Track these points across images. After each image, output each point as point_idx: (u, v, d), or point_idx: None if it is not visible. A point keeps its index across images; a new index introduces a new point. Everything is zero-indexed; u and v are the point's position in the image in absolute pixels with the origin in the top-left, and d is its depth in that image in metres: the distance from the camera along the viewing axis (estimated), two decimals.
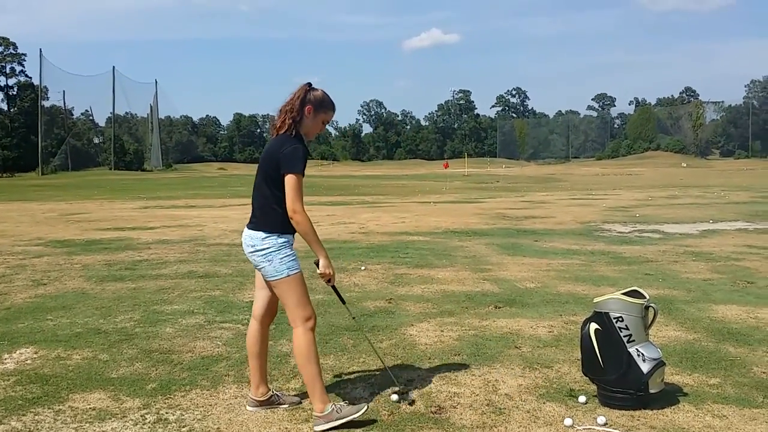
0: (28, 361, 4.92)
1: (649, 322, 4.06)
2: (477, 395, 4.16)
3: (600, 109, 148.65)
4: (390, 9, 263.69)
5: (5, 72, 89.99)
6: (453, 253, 10.19)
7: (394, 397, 4.06)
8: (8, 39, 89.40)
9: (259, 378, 4.00)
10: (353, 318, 4.34)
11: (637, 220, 15.76)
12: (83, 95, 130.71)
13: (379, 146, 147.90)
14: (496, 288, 7.48)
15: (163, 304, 6.79)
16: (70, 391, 4.28)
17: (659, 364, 3.93)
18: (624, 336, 3.94)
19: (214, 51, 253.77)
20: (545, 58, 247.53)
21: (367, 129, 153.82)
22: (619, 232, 13.17)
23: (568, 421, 3.70)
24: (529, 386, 4.31)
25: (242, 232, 3.91)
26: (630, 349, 3.92)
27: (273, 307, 4.02)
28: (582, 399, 4.02)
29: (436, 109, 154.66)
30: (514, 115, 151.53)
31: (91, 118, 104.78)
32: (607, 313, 3.99)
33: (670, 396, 4.07)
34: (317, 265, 3.81)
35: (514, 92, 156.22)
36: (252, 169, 4.67)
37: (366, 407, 3.74)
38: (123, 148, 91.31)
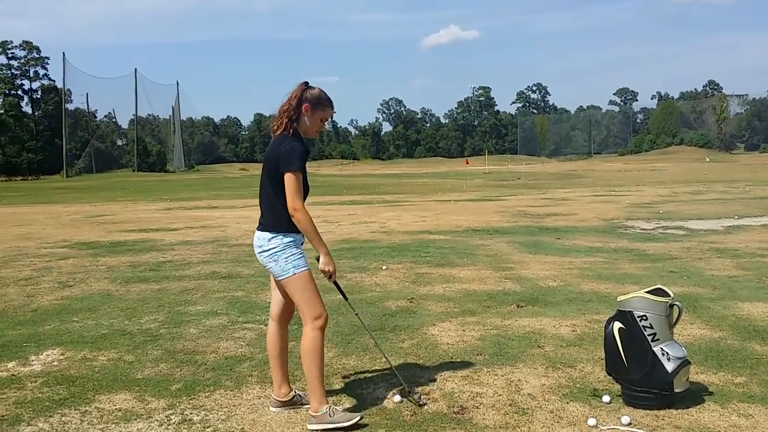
0: (55, 363, 4.99)
1: (674, 321, 4.02)
2: (500, 395, 4.15)
3: (622, 103, 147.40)
4: (408, 6, 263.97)
5: (29, 76, 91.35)
6: (474, 252, 10.16)
7: (397, 397, 4.06)
8: (31, 43, 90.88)
9: (280, 378, 4.02)
10: (356, 314, 4.34)
11: (660, 216, 15.61)
12: (106, 98, 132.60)
13: (399, 144, 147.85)
14: (518, 287, 7.45)
15: (186, 305, 6.85)
16: (96, 392, 4.33)
17: (684, 363, 3.89)
18: (648, 335, 3.90)
19: (234, 52, 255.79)
20: (566, 53, 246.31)
21: (386, 127, 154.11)
22: (643, 229, 13.05)
23: (591, 421, 3.67)
24: (553, 386, 4.29)
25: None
26: (654, 348, 3.89)
27: (289, 308, 4.04)
28: (606, 399, 3.99)
29: (456, 106, 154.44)
30: (535, 111, 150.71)
31: (114, 120, 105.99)
32: (631, 311, 3.96)
33: (695, 395, 4.03)
34: (318, 261, 3.82)
35: (534, 88, 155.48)
36: None
37: (359, 417, 3.74)
38: (146, 150, 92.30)
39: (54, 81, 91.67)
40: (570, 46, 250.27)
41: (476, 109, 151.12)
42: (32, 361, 5.06)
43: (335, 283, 4.00)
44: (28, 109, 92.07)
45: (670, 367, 3.85)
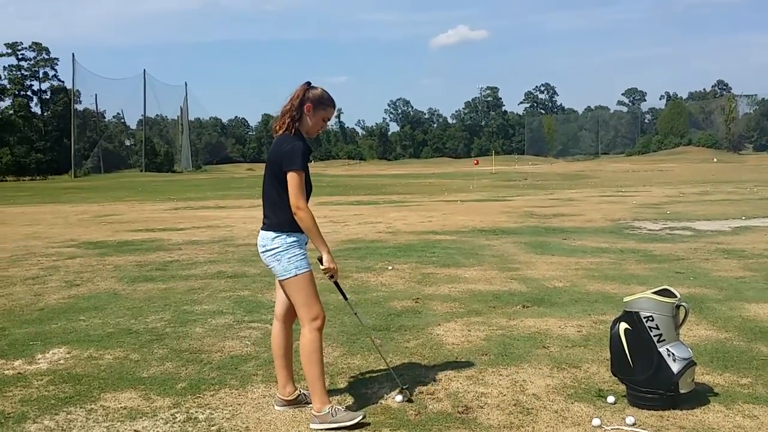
0: (61, 361, 5.02)
1: (680, 322, 4.01)
2: (504, 395, 4.15)
3: (630, 104, 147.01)
4: (416, 6, 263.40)
5: (38, 77, 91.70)
6: (480, 252, 10.15)
7: (399, 397, 4.06)
8: (41, 44, 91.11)
9: (285, 377, 4.03)
10: (355, 314, 4.34)
11: (667, 217, 15.55)
12: (115, 98, 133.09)
13: (406, 145, 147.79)
14: (524, 287, 7.44)
15: (193, 304, 6.87)
16: (101, 391, 4.35)
17: (690, 364, 3.88)
18: (654, 335, 3.89)
19: (242, 52, 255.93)
20: (574, 54, 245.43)
21: (393, 128, 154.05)
22: (650, 230, 13.01)
23: (596, 422, 3.67)
24: (557, 386, 4.28)
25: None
26: (660, 349, 3.88)
27: (294, 308, 4.04)
28: (611, 399, 3.99)
29: (464, 106, 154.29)
30: (543, 111, 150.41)
31: (122, 120, 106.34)
32: (638, 312, 3.95)
33: (701, 396, 4.01)
34: (320, 261, 3.83)
35: (542, 88, 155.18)
36: None
37: (362, 416, 3.75)
38: (154, 150, 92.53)
39: (63, 82, 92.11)
40: (578, 46, 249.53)
41: (484, 110, 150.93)
42: (38, 359, 5.09)
43: (336, 283, 4.00)
44: (37, 110, 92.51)
45: (675, 367, 3.84)
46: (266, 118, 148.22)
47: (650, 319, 3.91)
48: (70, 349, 5.33)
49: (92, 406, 4.10)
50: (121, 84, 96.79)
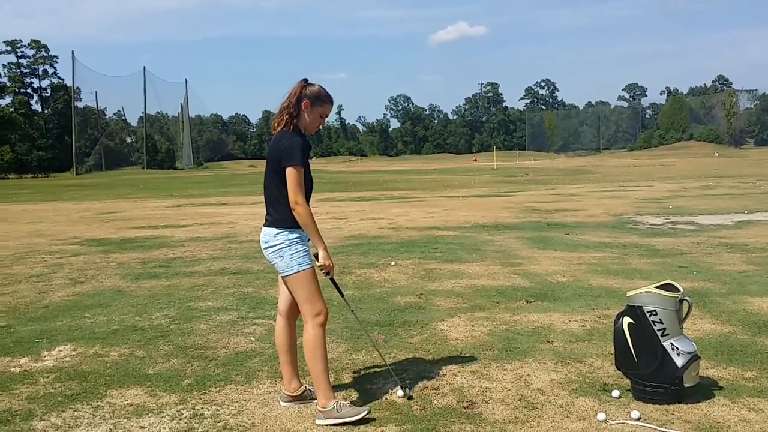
0: (67, 358, 5.03)
1: (684, 316, 4.02)
2: (509, 390, 4.16)
3: (631, 99, 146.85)
4: (416, 2, 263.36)
5: (38, 74, 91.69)
6: (483, 248, 10.15)
7: (400, 392, 4.07)
8: (40, 42, 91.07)
9: (290, 373, 4.05)
10: (352, 311, 4.35)
11: (670, 211, 15.55)
12: (115, 96, 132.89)
13: (407, 141, 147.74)
14: (527, 282, 7.45)
15: (197, 301, 6.88)
16: (107, 387, 4.37)
17: (694, 358, 3.89)
18: (658, 330, 3.90)
19: (242, 49, 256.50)
20: (574, 49, 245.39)
21: (394, 124, 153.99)
22: (652, 224, 13.01)
23: (601, 416, 3.68)
24: (562, 381, 4.29)
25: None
26: (664, 343, 3.89)
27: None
28: (615, 393, 3.99)
29: (464, 102, 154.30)
30: (543, 107, 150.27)
31: (123, 118, 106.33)
32: (641, 306, 3.96)
33: (705, 390, 4.02)
34: (317, 257, 3.85)
35: (543, 84, 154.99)
36: None
37: (367, 411, 3.76)
38: (155, 147, 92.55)
39: (63, 79, 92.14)
40: (579, 41, 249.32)
41: (484, 105, 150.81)
42: (44, 356, 5.10)
43: (332, 279, 4.01)
44: (37, 108, 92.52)
45: (679, 361, 3.85)
46: (267, 115, 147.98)
47: (654, 313, 3.92)
48: (75, 346, 5.34)
49: (99, 403, 4.11)
50: (121, 81, 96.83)
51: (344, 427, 3.65)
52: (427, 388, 4.20)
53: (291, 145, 3.77)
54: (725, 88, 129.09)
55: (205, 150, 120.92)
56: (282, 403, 4.03)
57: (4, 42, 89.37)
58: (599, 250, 9.65)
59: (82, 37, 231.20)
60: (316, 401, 3.98)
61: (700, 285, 7.06)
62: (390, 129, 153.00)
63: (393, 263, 8.84)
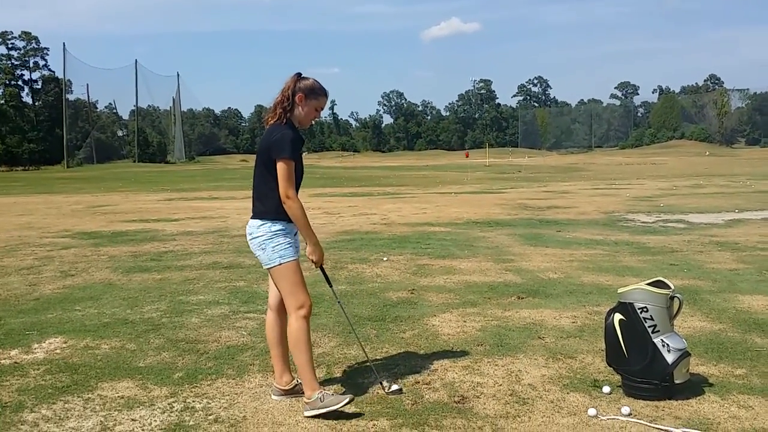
0: (57, 351, 5.01)
1: (674, 313, 4.04)
2: (500, 385, 4.17)
3: (623, 97, 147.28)
4: None
5: (29, 66, 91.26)
6: (475, 244, 10.17)
7: (394, 386, 4.07)
8: (30, 33, 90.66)
9: (281, 367, 4.05)
10: (338, 303, 4.36)
11: (661, 209, 15.62)
12: (106, 88, 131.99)
13: (400, 137, 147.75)
14: (518, 279, 7.47)
15: (188, 295, 6.87)
16: (98, 380, 4.35)
17: (684, 355, 3.91)
18: (649, 326, 3.92)
19: (235, 43, 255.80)
20: (567, 46, 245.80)
21: (387, 120, 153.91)
22: (643, 222, 13.06)
23: (591, 411, 3.69)
24: (553, 376, 4.31)
25: None
26: (655, 340, 3.91)
27: None
28: (606, 389, 4.01)
29: (457, 99, 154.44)
30: (536, 104, 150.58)
31: (114, 111, 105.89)
32: (632, 303, 3.97)
33: (695, 386, 4.04)
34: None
35: (535, 81, 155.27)
36: None
37: (349, 398, 3.77)
38: (146, 141, 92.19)
39: (54, 72, 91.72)
40: (571, 39, 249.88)
41: (477, 102, 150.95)
42: (35, 349, 5.08)
43: (322, 269, 4.02)
44: (28, 100, 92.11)
45: (670, 358, 3.87)
46: (259, 109, 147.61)
47: (645, 310, 3.94)
48: (66, 338, 5.32)
49: (89, 395, 4.10)
50: (113, 74, 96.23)
51: (338, 422, 3.65)
52: (419, 382, 4.21)
53: (282, 137, 3.76)
54: (717, 87, 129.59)
55: (196, 144, 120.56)
56: (273, 397, 4.03)
57: None
58: (591, 248, 9.69)
59: (74, 28, 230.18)
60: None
61: (690, 283, 7.09)
62: (383, 125, 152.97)
63: (385, 259, 8.84)
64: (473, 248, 9.75)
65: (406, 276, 7.71)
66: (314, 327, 5.48)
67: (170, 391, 4.14)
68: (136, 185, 33.47)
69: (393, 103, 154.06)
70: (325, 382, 4.22)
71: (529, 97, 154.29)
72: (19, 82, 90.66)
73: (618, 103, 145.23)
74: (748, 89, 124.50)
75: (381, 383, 4.10)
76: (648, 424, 3.56)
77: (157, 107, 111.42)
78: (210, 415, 3.78)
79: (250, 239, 3.88)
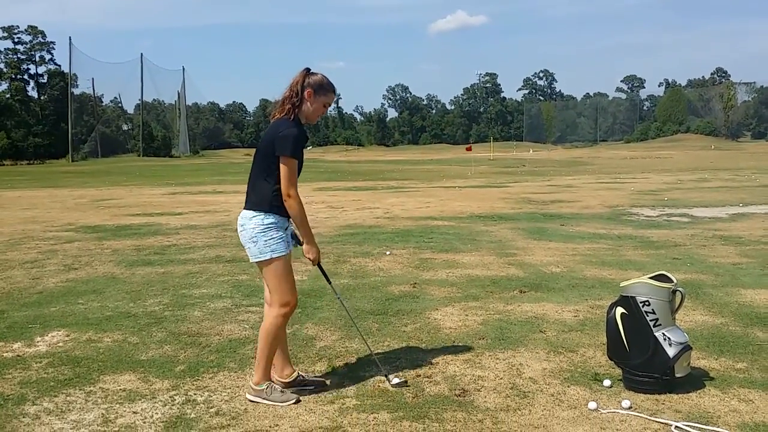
0: (60, 344, 5.03)
1: (677, 307, 4.03)
2: (501, 378, 4.17)
3: (629, 91, 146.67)
4: None
5: (35, 60, 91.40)
6: (478, 238, 10.17)
7: (395, 380, 4.07)
8: (37, 27, 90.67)
9: (282, 360, 4.06)
10: (338, 298, 4.36)
11: (665, 203, 15.58)
12: (112, 82, 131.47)
13: (404, 131, 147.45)
14: (521, 272, 7.47)
15: (191, 288, 6.88)
16: (100, 373, 4.37)
17: (685, 348, 3.90)
18: (650, 320, 3.92)
19: (240, 37, 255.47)
20: (573, 40, 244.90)
21: (392, 113, 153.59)
22: (647, 216, 13.04)
23: (592, 405, 3.69)
24: (554, 370, 4.31)
25: None
26: (656, 333, 3.90)
27: None
28: (607, 383, 4.01)
29: (462, 92, 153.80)
30: (542, 97, 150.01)
31: (119, 105, 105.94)
32: (634, 297, 3.97)
33: (696, 380, 4.04)
34: (302, 245, 3.91)
35: (541, 74, 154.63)
36: None
37: (294, 400, 3.83)
38: (151, 135, 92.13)
39: (60, 66, 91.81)
40: (577, 32, 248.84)
41: (482, 96, 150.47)
42: (37, 342, 5.10)
43: (319, 266, 4.04)
44: (33, 94, 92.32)
45: (671, 352, 3.87)
46: (264, 103, 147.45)
47: (647, 303, 3.93)
48: (68, 331, 5.34)
49: (91, 388, 4.11)
50: (118, 68, 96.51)
51: (339, 415, 3.66)
52: (420, 375, 4.22)
53: (288, 134, 3.74)
54: (723, 80, 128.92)
55: (201, 138, 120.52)
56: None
57: (1, 28, 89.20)
58: (594, 242, 9.67)
59: (81, 22, 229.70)
60: (309, 388, 4.01)
61: (693, 277, 7.08)
62: (387, 119, 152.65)
63: (388, 252, 8.84)
64: (476, 242, 9.74)
65: (408, 270, 7.71)
66: (317, 320, 5.51)
67: (172, 384, 4.15)
68: (141, 179, 33.52)
69: (398, 96, 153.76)
70: (326, 376, 4.23)
71: (534, 91, 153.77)
72: (25, 76, 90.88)
73: (624, 96, 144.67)
74: (755, 83, 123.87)
75: (386, 376, 4.11)
76: (648, 417, 3.56)
77: (162, 101, 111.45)
78: (211, 407, 3.79)
79: (242, 230, 3.87)
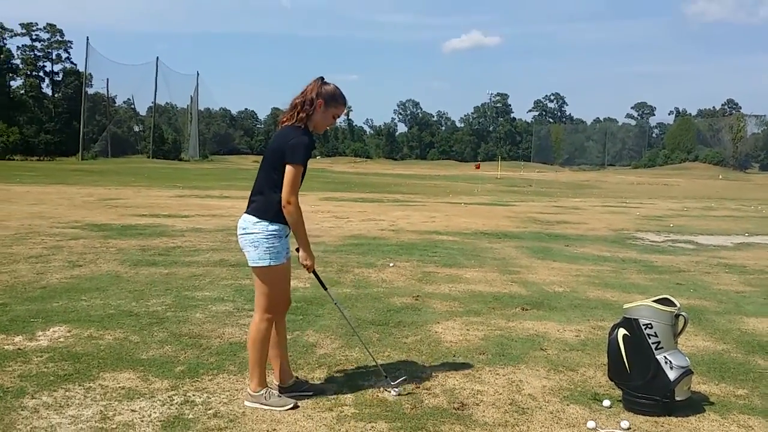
0: (61, 339, 5.04)
1: (679, 331, 4.02)
2: (500, 394, 4.17)
3: (639, 117, 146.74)
4: (432, 10, 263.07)
5: (51, 58, 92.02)
6: (482, 254, 10.16)
7: (393, 392, 4.07)
8: (55, 26, 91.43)
9: (282, 366, 4.07)
10: (335, 304, 4.37)
11: (670, 229, 15.54)
12: (126, 84, 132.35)
13: (413, 146, 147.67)
14: (524, 290, 7.46)
15: (194, 290, 6.90)
16: (100, 370, 4.38)
17: (686, 373, 3.90)
18: (652, 343, 3.91)
19: (255, 46, 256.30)
20: (585, 65, 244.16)
21: (401, 128, 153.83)
22: (652, 241, 13.01)
23: (591, 424, 3.68)
24: (554, 388, 4.30)
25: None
26: (658, 356, 3.90)
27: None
28: (606, 403, 4.00)
29: (472, 111, 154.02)
30: (551, 120, 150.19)
31: (132, 106, 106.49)
32: (637, 319, 3.97)
33: (696, 404, 4.03)
34: (297, 251, 3.91)
35: (552, 97, 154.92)
36: None
37: (292, 404, 3.84)
38: (162, 138, 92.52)
39: (76, 65, 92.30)
40: (591, 58, 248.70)
41: (492, 115, 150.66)
42: (39, 336, 5.12)
43: (315, 273, 4.05)
44: (48, 91, 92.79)
45: (672, 375, 3.86)
46: (275, 112, 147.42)
47: (649, 326, 3.93)
48: (70, 327, 5.36)
49: (90, 384, 4.12)
50: (133, 70, 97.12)
51: (337, 421, 3.66)
52: (419, 387, 4.21)
53: (299, 143, 3.76)
54: (734, 111, 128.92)
55: (211, 143, 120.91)
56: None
57: (20, 24, 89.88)
58: (598, 264, 9.66)
59: (98, 22, 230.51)
60: (308, 393, 4.01)
61: (696, 302, 7.06)
62: (397, 133, 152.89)
63: (391, 264, 8.84)
64: (480, 258, 9.74)
65: (411, 282, 7.71)
66: (318, 328, 5.51)
67: (171, 384, 4.16)
68: (149, 180, 33.62)
69: (408, 112, 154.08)
70: (325, 383, 4.23)
71: (544, 113, 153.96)
72: (41, 73, 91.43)
73: (633, 122, 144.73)
74: (765, 115, 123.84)
75: (389, 383, 4.11)
76: None
77: (175, 105, 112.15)
78: (209, 409, 3.79)
79: (243, 233, 3.87)
